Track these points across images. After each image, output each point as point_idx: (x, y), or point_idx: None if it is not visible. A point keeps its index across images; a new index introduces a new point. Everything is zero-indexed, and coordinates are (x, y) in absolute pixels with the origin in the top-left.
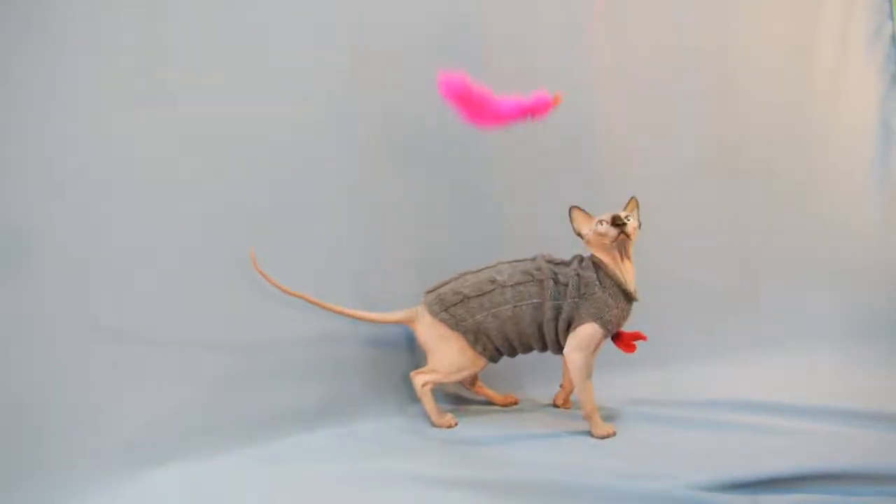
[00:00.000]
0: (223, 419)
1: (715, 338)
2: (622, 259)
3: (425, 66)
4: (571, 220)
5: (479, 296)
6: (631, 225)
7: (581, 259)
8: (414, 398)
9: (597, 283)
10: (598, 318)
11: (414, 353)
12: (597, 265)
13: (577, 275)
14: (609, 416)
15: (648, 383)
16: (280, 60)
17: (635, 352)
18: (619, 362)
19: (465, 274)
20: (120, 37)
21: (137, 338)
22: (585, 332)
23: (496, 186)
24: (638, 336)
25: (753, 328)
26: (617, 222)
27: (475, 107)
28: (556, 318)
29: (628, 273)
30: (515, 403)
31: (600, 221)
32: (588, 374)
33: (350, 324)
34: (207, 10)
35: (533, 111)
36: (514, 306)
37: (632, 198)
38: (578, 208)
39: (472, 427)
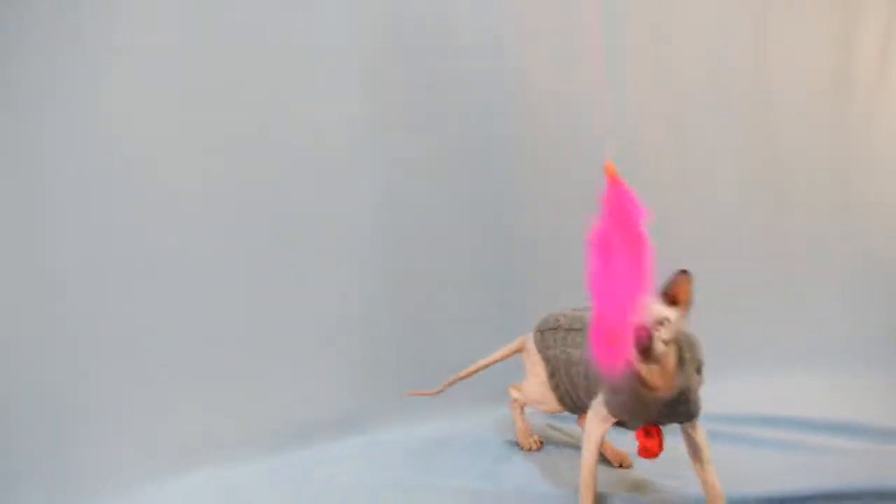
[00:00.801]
0: (250, 427)
1: (747, 352)
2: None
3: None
4: None
5: (567, 330)
6: (659, 348)
7: None
8: (438, 408)
9: None
10: (606, 397)
11: (439, 364)
12: None
13: None
14: None
15: None
16: (303, 61)
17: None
18: None
19: (580, 309)
20: (128, 38)
21: (163, 346)
22: (597, 403)
23: (529, 215)
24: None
25: (786, 343)
26: (641, 346)
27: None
28: (587, 378)
29: (656, 373)
30: (628, 466)
31: None
32: (590, 449)
33: (375, 332)
34: (218, 12)
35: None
36: (568, 349)
37: (681, 274)
38: None
39: (497, 441)
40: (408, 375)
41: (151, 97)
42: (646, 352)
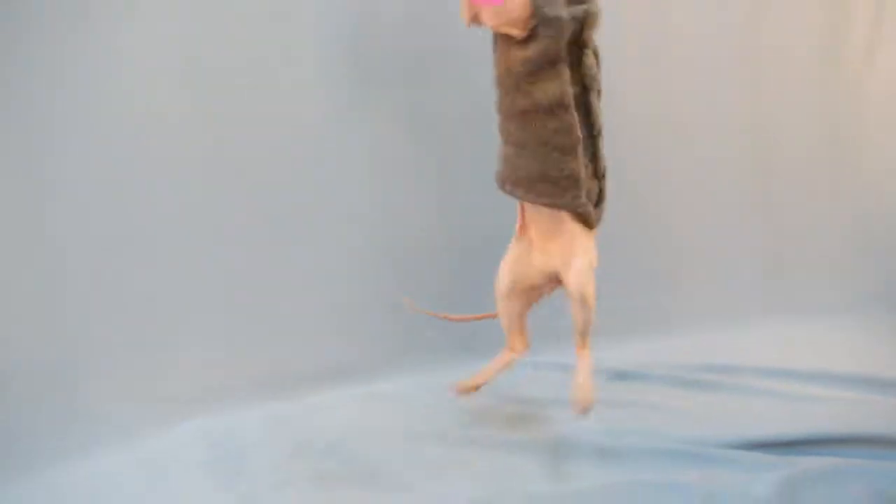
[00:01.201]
0: (244, 376)
1: (741, 305)
2: None
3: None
4: None
5: None
6: None
7: None
8: (437, 358)
9: None
10: None
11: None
12: None
13: None
14: (638, 379)
15: (675, 349)
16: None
17: None
18: (644, 328)
19: None
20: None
21: (156, 296)
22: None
23: None
24: None
25: (780, 295)
26: None
27: None
28: None
29: None
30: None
31: None
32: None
33: (368, 281)
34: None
35: None
36: None
37: None
38: None
39: (494, 390)
40: (406, 324)
41: (145, 90)
42: None
